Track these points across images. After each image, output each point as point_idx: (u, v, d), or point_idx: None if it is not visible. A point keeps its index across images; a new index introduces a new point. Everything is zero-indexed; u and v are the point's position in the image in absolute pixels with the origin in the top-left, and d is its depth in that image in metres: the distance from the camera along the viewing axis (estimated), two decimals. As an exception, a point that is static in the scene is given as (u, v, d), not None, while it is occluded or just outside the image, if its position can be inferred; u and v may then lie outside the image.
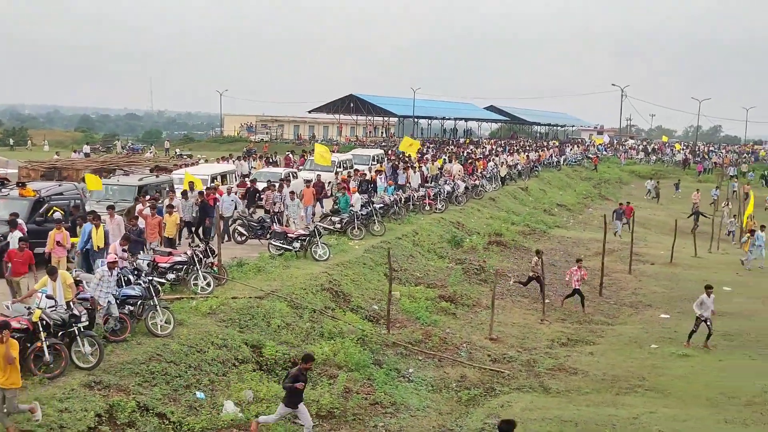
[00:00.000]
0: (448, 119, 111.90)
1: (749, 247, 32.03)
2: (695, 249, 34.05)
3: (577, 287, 24.61)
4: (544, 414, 15.71)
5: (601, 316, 24.69)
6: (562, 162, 67.97)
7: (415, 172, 38.42)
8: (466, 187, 39.29)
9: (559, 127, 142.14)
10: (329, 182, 33.44)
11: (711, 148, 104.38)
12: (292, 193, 27.45)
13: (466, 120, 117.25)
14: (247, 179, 32.02)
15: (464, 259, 29.14)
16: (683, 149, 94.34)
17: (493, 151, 61.33)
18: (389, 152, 47.78)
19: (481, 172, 45.09)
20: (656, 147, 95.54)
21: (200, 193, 24.55)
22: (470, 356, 19.67)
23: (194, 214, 24.01)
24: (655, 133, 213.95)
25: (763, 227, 33.95)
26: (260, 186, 29.45)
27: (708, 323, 20.88)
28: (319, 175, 31.85)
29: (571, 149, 77.34)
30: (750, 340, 22.31)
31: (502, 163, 49.92)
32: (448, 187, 37.29)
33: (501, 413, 15.85)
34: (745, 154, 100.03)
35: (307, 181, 30.45)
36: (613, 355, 20.59)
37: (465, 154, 55.95)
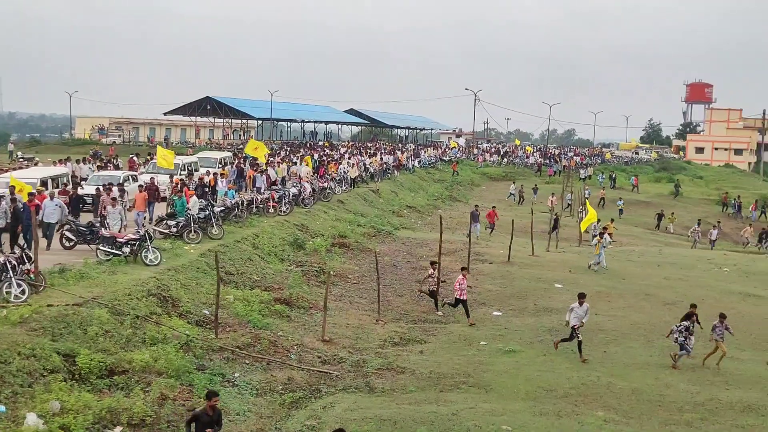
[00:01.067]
0: (308, 122, 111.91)
1: (599, 249, 32.56)
2: (533, 248, 35.15)
3: (464, 297, 24.14)
4: (365, 414, 15.82)
5: (435, 315, 25.10)
6: (417, 164, 68.99)
7: (261, 174, 38.14)
8: (314, 190, 39.26)
9: (418, 130, 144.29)
10: (166, 186, 32.61)
11: (562, 152, 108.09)
12: (113, 199, 26.41)
13: (327, 123, 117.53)
14: (69, 185, 30.64)
15: (305, 262, 29.10)
16: (534, 152, 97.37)
17: (346, 154, 61.57)
18: (239, 155, 47.28)
19: (330, 175, 45.15)
20: (509, 150, 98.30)
21: (12, 198, 23.37)
22: (300, 359, 19.61)
23: (8, 220, 22.90)
24: (514, 137, 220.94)
25: (605, 229, 35.36)
26: (90, 190, 28.38)
27: (576, 333, 21.07)
28: (152, 179, 31.06)
29: (425, 152, 78.57)
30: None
31: (352, 165, 50.15)
32: (294, 190, 37.16)
33: (322, 415, 15.89)
34: (593, 157, 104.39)
35: (140, 186, 29.60)
36: (442, 353, 20.96)
37: (318, 157, 55.91)
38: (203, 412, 12.18)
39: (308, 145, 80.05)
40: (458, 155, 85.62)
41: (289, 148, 72.33)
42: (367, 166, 54.76)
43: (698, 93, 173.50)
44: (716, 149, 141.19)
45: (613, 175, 79.21)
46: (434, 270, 25.64)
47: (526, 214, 46.87)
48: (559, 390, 18.69)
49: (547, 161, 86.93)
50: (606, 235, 33.55)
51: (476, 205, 43.26)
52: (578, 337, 20.97)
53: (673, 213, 57.61)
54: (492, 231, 42.62)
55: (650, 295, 28.62)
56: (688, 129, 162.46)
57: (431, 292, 25.62)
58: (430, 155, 77.10)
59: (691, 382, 19.81)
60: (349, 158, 55.96)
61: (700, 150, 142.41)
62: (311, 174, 42.44)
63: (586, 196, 59.50)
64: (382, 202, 47.45)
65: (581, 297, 21.45)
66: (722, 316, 21.07)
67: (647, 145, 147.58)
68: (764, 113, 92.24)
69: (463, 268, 25.07)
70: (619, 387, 19.14)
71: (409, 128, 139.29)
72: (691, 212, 64.18)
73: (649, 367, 20.92)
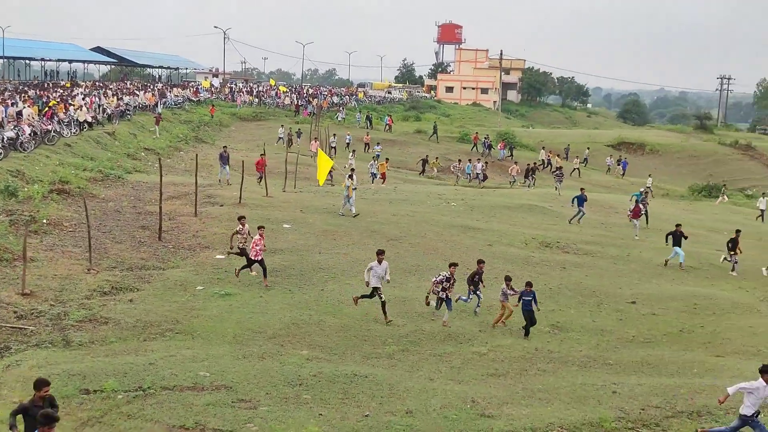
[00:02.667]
0: (49, 60, 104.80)
1: (352, 192, 31.90)
2: (266, 189, 34.78)
3: (260, 258, 22.29)
4: (53, 370, 14.88)
5: (155, 261, 24.22)
6: (162, 105, 66.33)
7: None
8: (35, 133, 36.60)
9: (173, 70, 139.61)
10: None
11: (318, 92, 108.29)
12: None
13: (71, 62, 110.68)
14: None
15: (15, 210, 27.06)
16: (288, 92, 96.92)
17: (78, 95, 57.88)
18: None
19: (58, 117, 42.27)
20: (262, 90, 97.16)
21: None
22: (-7, 315, 18.21)
23: None
24: (275, 77, 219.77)
25: (353, 170, 34.96)
26: None
27: (379, 294, 19.86)
28: None
29: (171, 92, 75.80)
30: (294, 274, 23.28)
31: (80, 106, 47.27)
32: (10, 133, 34.41)
33: (3, 375, 14.79)
34: (345, 96, 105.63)
35: None
36: (153, 301, 20.25)
37: (46, 98, 52.33)
38: (31, 404, 10.56)
39: (43, 85, 74.64)
40: (208, 96, 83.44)
41: (18, 87, 67.14)
42: (104, 107, 52.03)
43: (449, 34, 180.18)
44: (464, 88, 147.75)
45: (369, 116, 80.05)
46: (243, 226, 23.31)
47: (284, 155, 45.99)
48: (268, 331, 18.64)
49: (303, 102, 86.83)
50: (354, 177, 33.44)
51: (224, 147, 42.02)
52: (381, 298, 19.83)
53: (437, 158, 58.17)
54: (261, 179, 40.28)
55: (376, 231, 29.25)
56: (439, 69, 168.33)
57: (241, 250, 23.16)
58: (177, 95, 74.57)
59: (400, 316, 20.44)
60: (83, 99, 52.72)
61: (449, 89, 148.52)
62: (33, 116, 39.51)
63: (347, 141, 59.74)
64: (118, 145, 45.22)
65: (380, 254, 20.19)
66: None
67: (400, 85, 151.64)
68: (501, 54, 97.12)
69: (259, 227, 22.87)
70: (329, 324, 19.41)
71: (162, 67, 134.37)
72: (434, 150, 66.51)
73: (362, 303, 21.28)
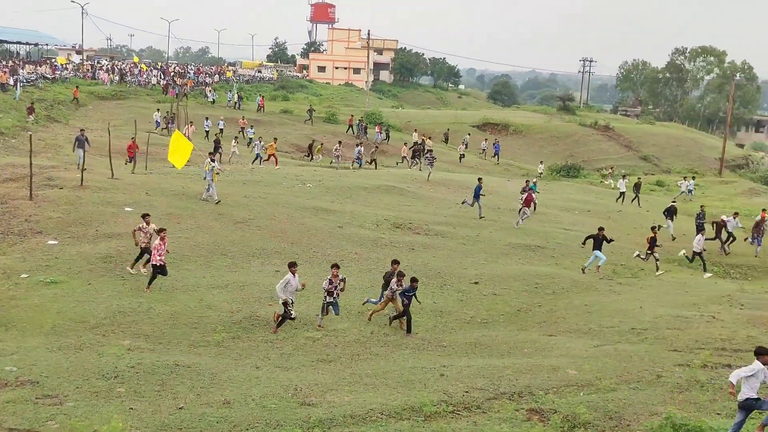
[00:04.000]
0: None
1: (216, 176, 30.68)
2: (112, 171, 33.22)
3: (162, 263, 20.27)
4: None
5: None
6: (20, 85, 62.79)
7: None
8: None
9: (32, 46, 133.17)
10: None
11: (186, 70, 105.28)
12: None
13: None
14: None
15: None
16: (151, 70, 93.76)
17: None
18: None
19: None
20: (125, 68, 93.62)
21: None
22: None
23: None
24: (146, 54, 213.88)
25: (211, 153, 33.30)
26: None
27: (289, 310, 18.05)
28: None
29: (23, 69, 72.04)
30: (129, 260, 22.24)
31: None
32: None
33: None
34: (214, 75, 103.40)
35: None
36: (-31, 292, 19.03)
37: None
38: None
39: None
40: (67, 73, 79.74)
41: None
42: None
43: (322, 13, 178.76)
44: (337, 68, 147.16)
45: (240, 95, 77.83)
46: (147, 224, 21.47)
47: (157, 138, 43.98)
48: (91, 321, 17.82)
49: (169, 80, 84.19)
50: (217, 162, 32.24)
51: (82, 129, 39.50)
52: (290, 315, 18.08)
53: (322, 144, 56.48)
54: (132, 163, 38.02)
55: (223, 214, 28.42)
56: (312, 48, 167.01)
57: (144, 250, 21.29)
58: (31, 72, 70.95)
59: (236, 302, 19.91)
60: None
61: (322, 69, 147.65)
62: None
63: (220, 127, 57.44)
64: (-43, 126, 42.62)
65: (292, 266, 18.31)
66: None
67: (272, 64, 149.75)
68: (369, 33, 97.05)
69: (161, 230, 20.79)
70: (158, 312, 18.71)
71: (21, 43, 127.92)
72: (299, 130, 65.82)
73: (198, 288, 20.72)
